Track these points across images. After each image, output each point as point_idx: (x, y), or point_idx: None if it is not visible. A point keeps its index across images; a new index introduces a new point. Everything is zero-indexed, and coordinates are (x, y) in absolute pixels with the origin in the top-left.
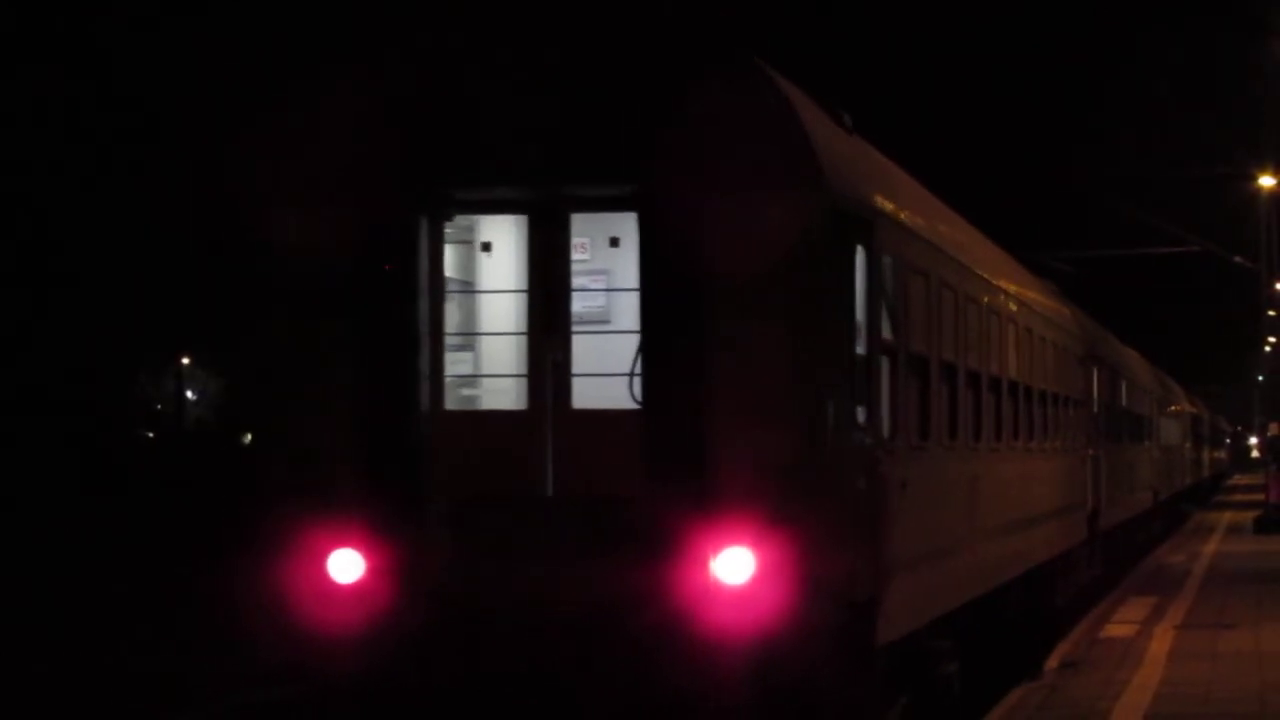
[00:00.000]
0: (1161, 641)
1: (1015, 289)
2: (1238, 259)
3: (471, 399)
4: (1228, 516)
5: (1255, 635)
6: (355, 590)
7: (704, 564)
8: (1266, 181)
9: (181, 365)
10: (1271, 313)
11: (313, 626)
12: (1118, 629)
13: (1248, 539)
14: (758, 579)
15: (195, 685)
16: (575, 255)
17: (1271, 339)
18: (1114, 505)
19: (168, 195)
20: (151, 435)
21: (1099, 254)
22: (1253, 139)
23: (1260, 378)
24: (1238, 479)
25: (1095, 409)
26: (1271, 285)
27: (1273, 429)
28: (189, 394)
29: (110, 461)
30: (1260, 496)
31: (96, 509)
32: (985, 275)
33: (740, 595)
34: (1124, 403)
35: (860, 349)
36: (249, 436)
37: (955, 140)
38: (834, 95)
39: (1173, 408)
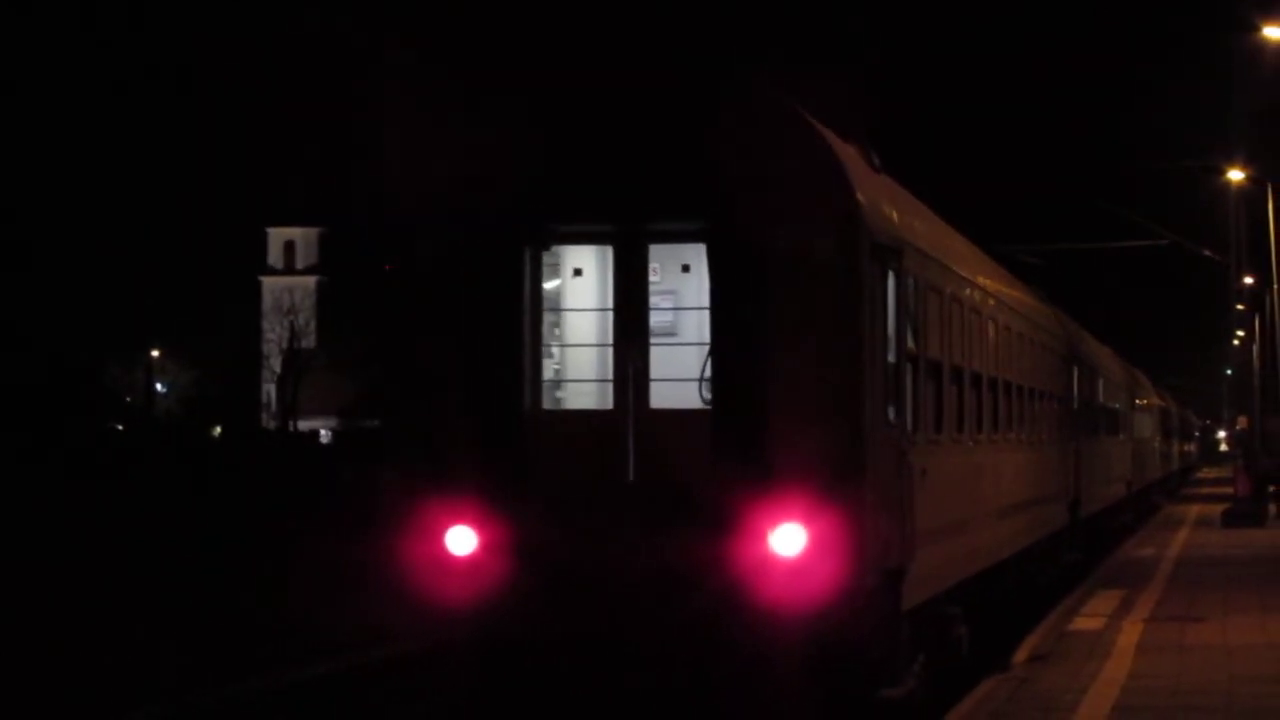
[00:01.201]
0: (1130, 634)
1: (1009, 298)
2: (1207, 252)
3: (560, 400)
4: (1196, 509)
5: (1223, 628)
6: (469, 562)
7: (762, 538)
8: (1235, 175)
9: (151, 358)
10: (1240, 306)
11: (432, 593)
12: (1086, 622)
13: (1216, 532)
14: (809, 551)
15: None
16: (649, 278)
17: (1240, 333)
18: (1092, 495)
19: (140, 187)
20: (121, 427)
21: (1068, 247)
22: (1223, 133)
23: (1229, 371)
24: (1206, 472)
25: (1075, 405)
26: (1240, 279)
27: (1241, 423)
28: (158, 386)
29: (94, 451)
30: (1228, 490)
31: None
32: (985, 288)
33: (793, 565)
34: (1100, 398)
35: (891, 357)
36: (218, 429)
37: (926, 133)
38: (822, 82)
39: (1143, 402)
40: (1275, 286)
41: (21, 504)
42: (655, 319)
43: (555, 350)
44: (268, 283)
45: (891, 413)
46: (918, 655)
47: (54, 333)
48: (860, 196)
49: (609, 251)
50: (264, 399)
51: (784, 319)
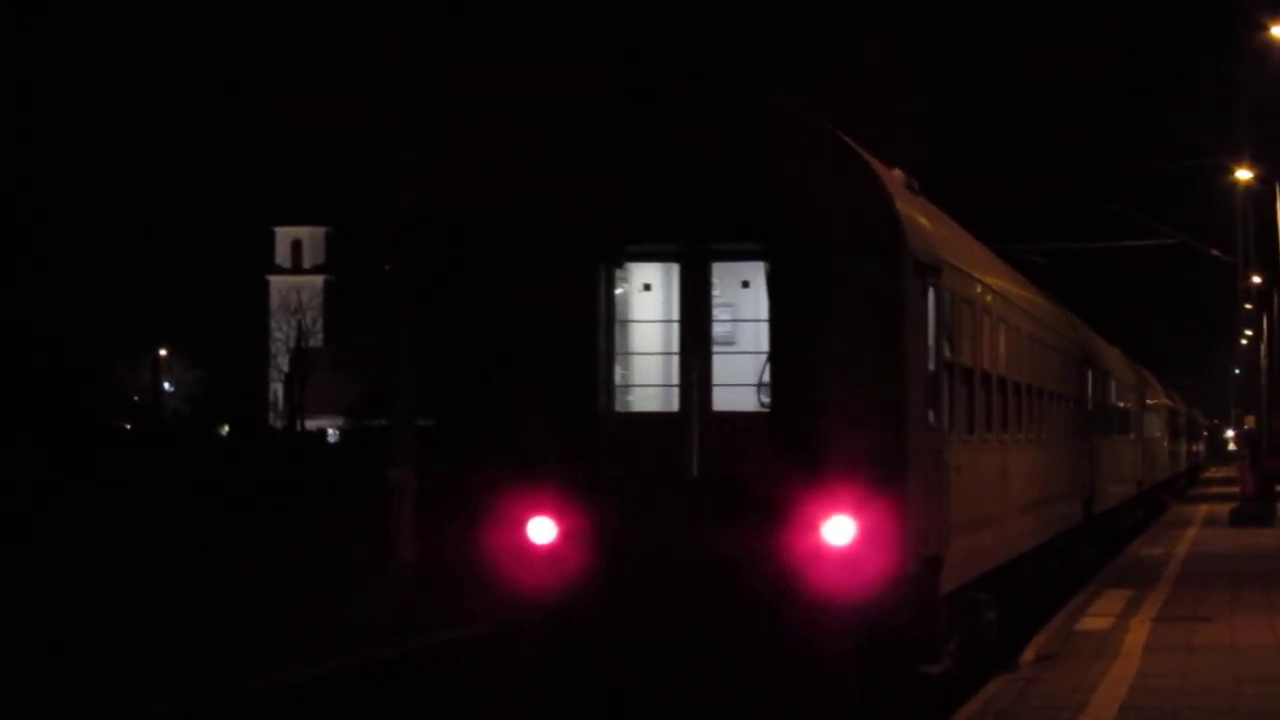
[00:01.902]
0: (1137, 634)
1: (1028, 305)
2: (1215, 252)
3: (629, 403)
4: (1204, 509)
5: (1231, 628)
6: (549, 550)
7: (815, 529)
8: (1243, 175)
9: (158, 356)
10: (1248, 306)
11: (513, 579)
12: (1094, 621)
13: (1224, 531)
14: (858, 541)
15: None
16: (712, 293)
17: (1248, 332)
18: (1105, 493)
19: (148, 186)
20: (128, 426)
21: (1075, 246)
22: (1230, 132)
23: (1236, 371)
24: (1214, 471)
25: (1090, 406)
26: (1248, 278)
27: (1248, 422)
28: (165, 385)
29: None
30: (1236, 489)
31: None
32: (1008, 297)
33: (844, 554)
34: (1112, 399)
35: (930, 365)
36: (225, 428)
37: (932, 130)
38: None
39: (1152, 402)
40: None
41: (27, 503)
42: (716, 329)
43: (624, 358)
44: (275, 282)
45: (930, 415)
46: (953, 636)
47: (61, 331)
48: (904, 221)
49: (674, 268)
50: (271, 398)
51: (835, 331)
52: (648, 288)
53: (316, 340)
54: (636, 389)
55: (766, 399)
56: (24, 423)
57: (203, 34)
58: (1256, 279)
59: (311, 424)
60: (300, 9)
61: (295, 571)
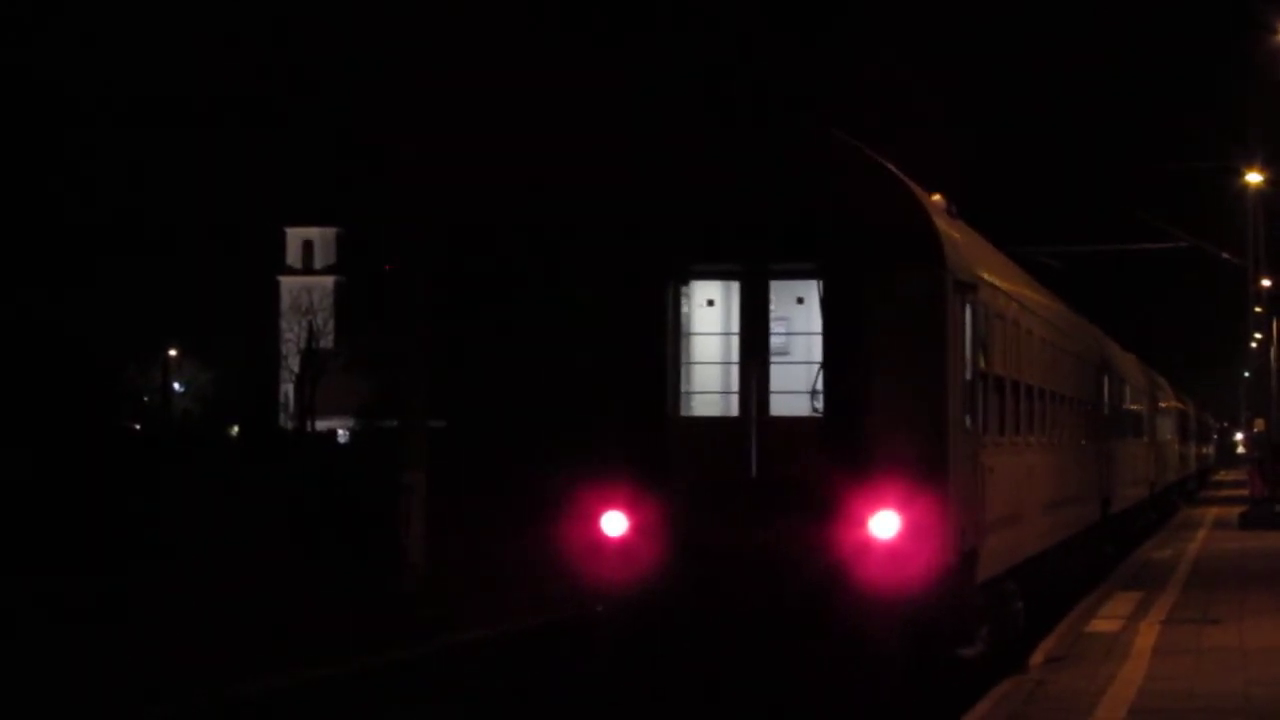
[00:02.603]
0: (1146, 637)
1: (1051, 315)
2: (1226, 255)
3: (693, 408)
4: (1214, 512)
5: (1239, 631)
6: (620, 542)
7: (863, 524)
8: (1254, 178)
9: (169, 357)
10: (1258, 309)
11: (589, 568)
12: (1103, 624)
13: (1233, 534)
14: (902, 534)
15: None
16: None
17: (1258, 335)
18: (1121, 494)
19: (159, 186)
20: (138, 426)
21: (1087, 248)
22: (1242, 135)
23: (1246, 374)
24: (1224, 474)
25: (1106, 410)
26: (1258, 282)
27: (1258, 425)
28: (176, 385)
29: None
30: (1246, 492)
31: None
32: (1034, 310)
33: (889, 547)
34: (1126, 404)
35: (967, 374)
36: (235, 429)
37: (946, 134)
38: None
39: (1163, 405)
40: None
41: (35, 502)
42: (772, 341)
43: (688, 367)
44: (286, 282)
45: (968, 420)
46: (985, 623)
47: (73, 332)
48: (945, 244)
49: (734, 286)
50: (282, 399)
51: (884, 344)
52: (710, 303)
53: (327, 341)
54: (699, 395)
55: (819, 405)
56: (42, 427)
57: (213, 32)
58: (1267, 282)
59: (322, 425)
60: (313, 7)
61: (307, 575)
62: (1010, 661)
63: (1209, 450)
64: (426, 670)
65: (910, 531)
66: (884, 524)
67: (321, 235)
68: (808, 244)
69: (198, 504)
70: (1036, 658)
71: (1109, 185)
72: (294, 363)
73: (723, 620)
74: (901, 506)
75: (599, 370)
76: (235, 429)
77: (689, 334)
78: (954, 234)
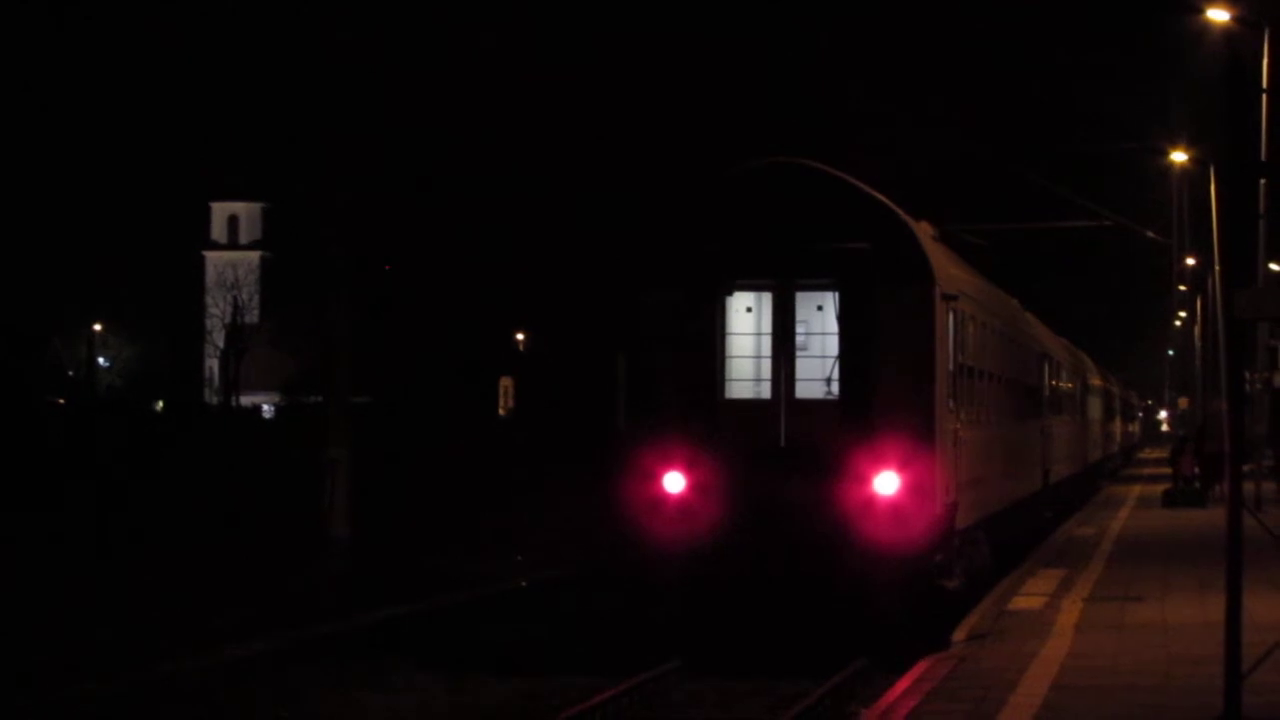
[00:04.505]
0: (1069, 614)
1: (1008, 316)
2: (1150, 234)
3: (735, 392)
4: (1137, 489)
5: (1162, 608)
6: (679, 497)
7: (869, 482)
8: (1178, 157)
9: (94, 332)
10: (1182, 287)
11: (652, 519)
12: (1026, 601)
13: (1157, 512)
14: (901, 491)
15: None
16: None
17: (1182, 314)
18: (1058, 466)
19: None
20: (61, 401)
21: (1012, 226)
22: (1166, 115)
23: (1170, 352)
24: (1148, 452)
25: (1045, 392)
26: (1182, 260)
27: (1182, 403)
28: (100, 360)
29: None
30: (1169, 470)
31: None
32: (995, 311)
33: (890, 501)
34: (1061, 386)
35: (950, 366)
36: (160, 404)
37: (872, 113)
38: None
39: (1093, 383)
40: (1216, 268)
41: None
42: (796, 339)
43: (730, 359)
44: (211, 257)
45: (950, 402)
46: (962, 561)
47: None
48: (933, 263)
49: (766, 296)
50: (207, 374)
51: (887, 341)
52: (749, 310)
53: (253, 316)
54: (738, 382)
55: (834, 389)
56: None
57: (139, 5)
58: (1191, 261)
59: (247, 400)
60: None
61: (234, 548)
62: (980, 591)
63: (1134, 428)
64: (347, 647)
65: (907, 487)
66: (886, 481)
67: (247, 210)
68: (828, 265)
69: (121, 478)
70: (959, 635)
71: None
72: (219, 338)
73: (761, 557)
74: (900, 467)
75: (666, 364)
76: (160, 404)
77: (730, 334)
78: (940, 256)
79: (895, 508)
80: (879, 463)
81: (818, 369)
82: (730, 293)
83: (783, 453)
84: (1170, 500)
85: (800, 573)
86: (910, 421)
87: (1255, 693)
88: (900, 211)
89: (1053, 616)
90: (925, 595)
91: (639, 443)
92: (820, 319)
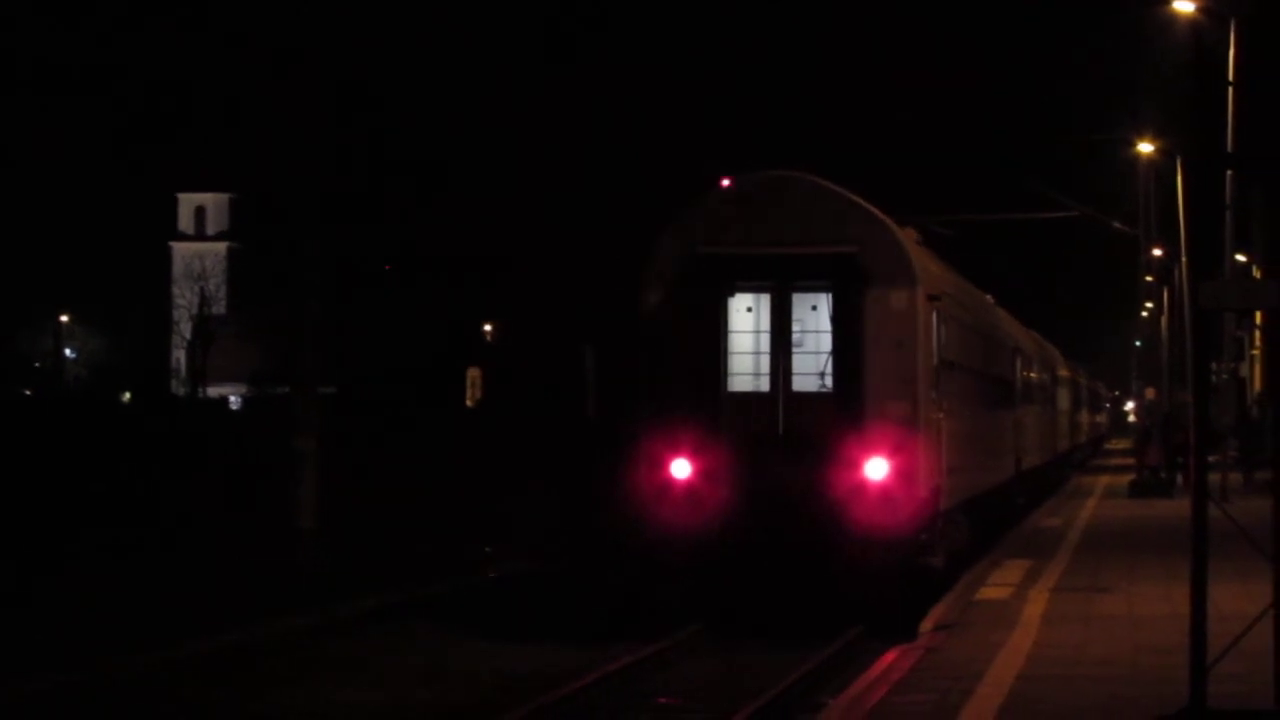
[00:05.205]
0: (1036, 604)
1: (985, 314)
2: (1117, 225)
3: (737, 384)
4: (1105, 480)
5: (1128, 598)
6: (686, 482)
7: (860, 468)
8: (1145, 148)
9: (60, 323)
10: (1149, 278)
11: (661, 503)
12: (993, 591)
13: (1124, 502)
14: (889, 476)
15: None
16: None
17: (1149, 305)
18: (1029, 455)
19: (50, 151)
20: (28, 392)
21: (978, 217)
22: (1134, 106)
23: (1137, 343)
24: (1115, 443)
25: (1017, 385)
26: (1149, 251)
27: (1150, 393)
28: (67, 351)
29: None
30: (1133, 460)
31: None
32: (974, 310)
33: (880, 485)
34: (1032, 379)
35: (934, 361)
36: (127, 395)
37: (841, 105)
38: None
39: (1061, 374)
40: (1183, 259)
41: None
42: (792, 337)
43: (731, 355)
44: (178, 248)
45: (934, 394)
46: (945, 541)
47: None
48: (918, 267)
49: (765, 297)
50: (174, 365)
51: (876, 338)
52: (750, 309)
53: (220, 307)
54: (739, 376)
55: (828, 383)
56: None
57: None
58: (1158, 252)
59: (214, 391)
60: None
61: (202, 540)
62: (961, 568)
63: (1102, 419)
64: (319, 639)
65: (895, 472)
66: (876, 467)
67: (214, 201)
68: (822, 269)
69: (90, 470)
70: (926, 625)
71: (1002, 155)
72: (186, 329)
73: (761, 537)
74: (889, 454)
75: (675, 359)
76: (127, 395)
77: (731, 332)
78: (924, 260)
79: (884, 491)
80: (869, 450)
81: (813, 364)
82: (732, 294)
83: (781, 441)
84: (1137, 490)
85: (798, 550)
86: (897, 412)
87: (1220, 682)
88: (887, 219)
89: (1020, 607)
90: (912, 571)
91: (647, 433)
92: (815, 318)
